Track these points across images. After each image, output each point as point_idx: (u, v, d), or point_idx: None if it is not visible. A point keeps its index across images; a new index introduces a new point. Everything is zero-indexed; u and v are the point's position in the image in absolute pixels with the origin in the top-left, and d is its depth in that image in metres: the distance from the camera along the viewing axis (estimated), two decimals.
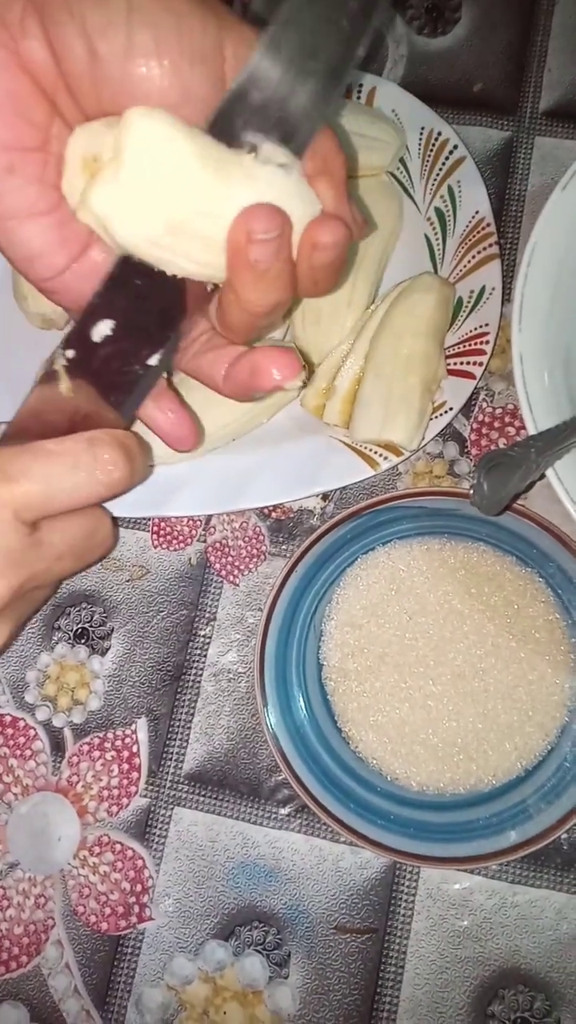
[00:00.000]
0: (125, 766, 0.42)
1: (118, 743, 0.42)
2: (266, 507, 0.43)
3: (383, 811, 0.39)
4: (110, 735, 0.42)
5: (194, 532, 0.44)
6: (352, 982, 0.39)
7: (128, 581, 0.44)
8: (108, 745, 0.42)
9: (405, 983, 0.39)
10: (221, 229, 0.28)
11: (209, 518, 0.44)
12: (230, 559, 0.43)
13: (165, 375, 0.36)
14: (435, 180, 0.45)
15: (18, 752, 0.42)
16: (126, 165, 0.27)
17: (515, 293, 0.39)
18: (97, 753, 0.42)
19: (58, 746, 0.42)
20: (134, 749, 0.42)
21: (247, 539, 0.44)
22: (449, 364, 0.42)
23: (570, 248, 0.40)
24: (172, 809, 0.41)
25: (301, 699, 0.40)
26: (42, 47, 0.27)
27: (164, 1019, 0.39)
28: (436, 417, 0.41)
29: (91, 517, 0.34)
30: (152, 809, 0.41)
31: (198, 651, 0.43)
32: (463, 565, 0.41)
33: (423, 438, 0.41)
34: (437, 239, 0.44)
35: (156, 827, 0.41)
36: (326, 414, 0.42)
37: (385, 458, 0.41)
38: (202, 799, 0.41)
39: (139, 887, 0.40)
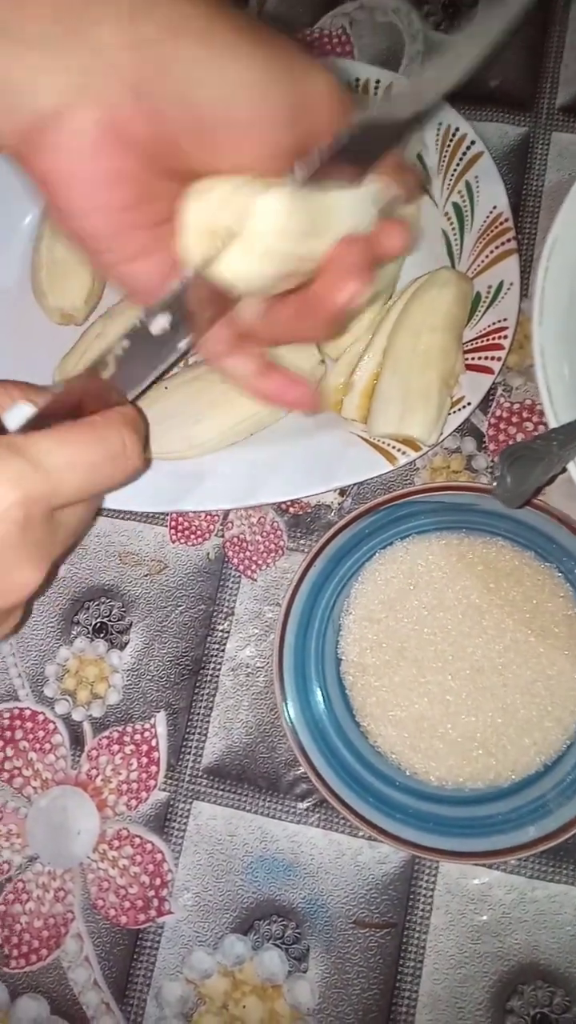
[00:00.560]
0: (144, 760, 0.42)
1: (137, 737, 0.42)
2: (284, 502, 0.43)
3: (402, 805, 0.39)
4: (129, 729, 0.42)
5: (212, 527, 0.44)
6: (371, 976, 0.39)
7: (146, 576, 0.44)
8: (127, 739, 0.42)
9: (424, 978, 0.39)
10: (316, 261, 0.31)
11: (227, 513, 0.44)
12: (248, 554, 0.44)
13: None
14: (452, 176, 0.45)
15: (38, 746, 0.42)
16: (250, 243, 0.29)
17: (535, 287, 0.39)
18: (116, 747, 0.42)
19: (77, 740, 0.42)
20: (153, 743, 0.42)
21: (265, 534, 0.44)
22: (467, 359, 0.42)
23: None
24: (191, 803, 0.41)
25: (320, 694, 0.40)
26: (143, 122, 0.28)
27: (183, 1012, 0.39)
28: (454, 412, 0.41)
29: (95, 499, 0.34)
30: (171, 803, 0.41)
31: (216, 645, 0.43)
32: (482, 560, 0.41)
33: (441, 433, 0.41)
34: (455, 234, 0.44)
35: (175, 821, 0.41)
36: (344, 409, 0.42)
37: (403, 453, 0.41)
38: (221, 793, 0.41)
39: (158, 881, 0.40)
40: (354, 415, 0.42)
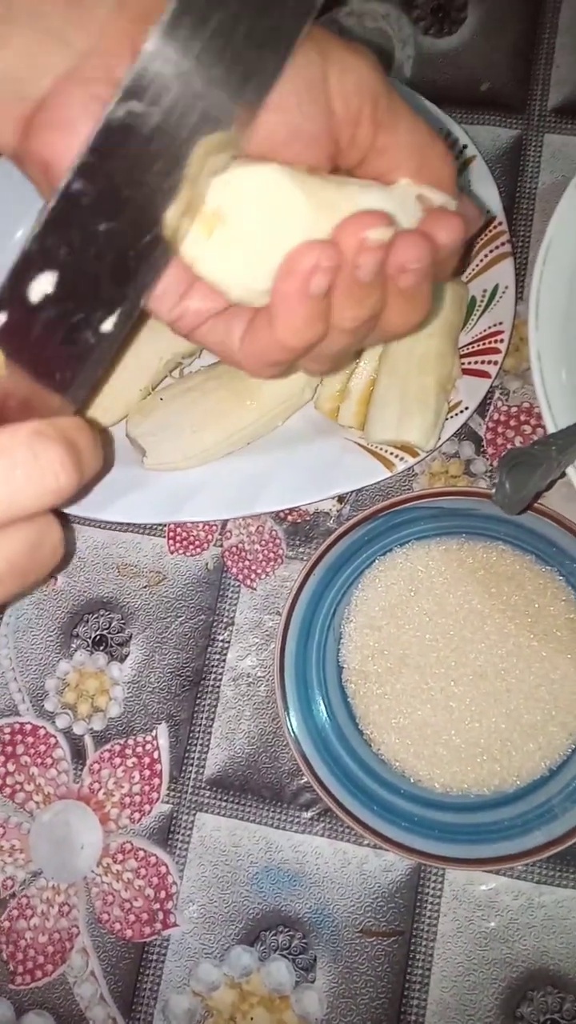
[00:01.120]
0: (147, 772, 0.41)
1: (139, 749, 0.42)
2: (282, 510, 0.43)
3: (407, 813, 0.39)
4: (131, 741, 0.42)
5: (210, 537, 0.44)
6: (379, 985, 0.39)
7: (145, 587, 0.44)
8: (129, 752, 0.42)
9: (432, 986, 0.39)
10: None
11: (225, 523, 0.44)
12: (247, 563, 0.43)
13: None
14: None
15: (39, 760, 0.42)
16: (231, 226, 0.25)
17: (531, 291, 0.39)
18: (118, 760, 0.42)
19: (79, 753, 0.42)
20: (155, 755, 0.42)
21: (264, 543, 0.44)
22: (464, 363, 0.42)
23: None
24: (194, 815, 0.41)
25: (322, 702, 0.40)
26: None
27: None
28: (452, 417, 0.41)
29: (34, 527, 0.27)
30: (174, 815, 0.41)
31: (217, 656, 0.43)
32: (482, 565, 0.41)
33: (439, 438, 0.40)
34: None
35: (179, 833, 0.41)
36: (341, 416, 0.42)
37: (401, 459, 0.41)
38: (224, 804, 0.41)
39: (163, 894, 0.40)
40: (351, 422, 0.42)
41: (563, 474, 0.37)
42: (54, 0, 0.26)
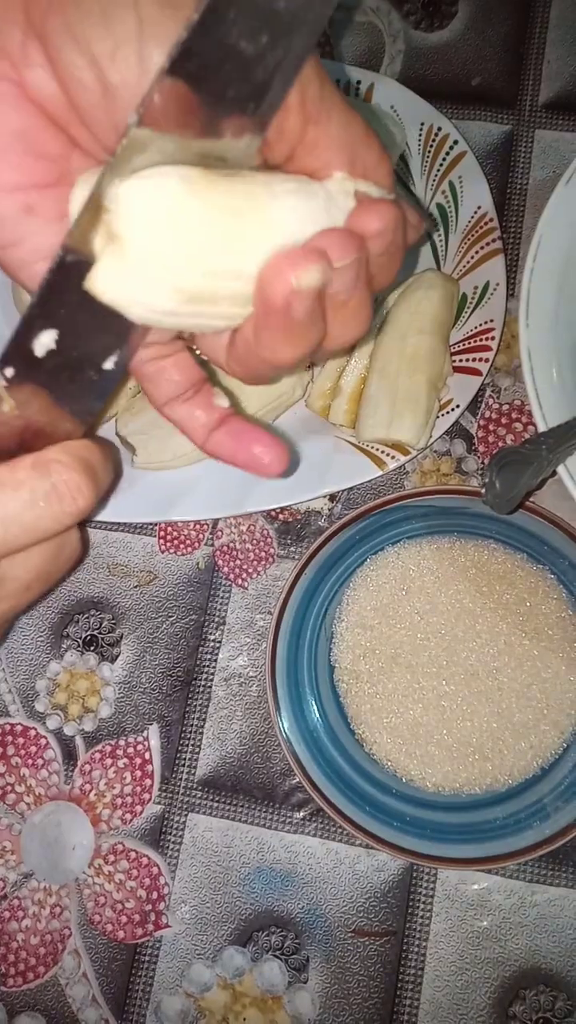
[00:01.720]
0: (138, 773, 0.41)
1: (130, 750, 0.42)
2: (273, 509, 0.43)
3: (399, 813, 0.39)
4: (122, 742, 0.42)
5: (201, 536, 0.44)
6: (372, 985, 0.39)
7: (136, 587, 0.43)
8: (120, 752, 0.42)
9: (425, 985, 0.39)
10: (247, 282, 0.24)
11: (216, 522, 0.44)
12: (238, 562, 0.43)
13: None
14: (436, 176, 0.44)
15: (30, 761, 0.42)
16: (124, 244, 0.23)
17: (522, 289, 0.39)
18: (109, 761, 0.41)
19: (70, 755, 0.42)
20: (146, 756, 0.41)
21: (255, 542, 0.43)
22: (455, 361, 0.42)
23: (575, 242, 0.39)
24: (186, 815, 0.41)
25: (314, 702, 0.40)
26: (48, 76, 0.24)
27: None
28: (443, 415, 0.41)
29: (56, 538, 0.29)
30: (166, 816, 0.41)
31: (208, 656, 0.42)
32: (473, 563, 0.41)
33: (430, 436, 0.40)
34: (439, 235, 0.44)
35: (171, 834, 0.41)
36: (332, 414, 0.42)
37: (392, 457, 0.41)
38: (216, 805, 0.41)
39: (155, 894, 0.40)
40: (342, 420, 0.42)
41: (554, 472, 0.37)
42: None
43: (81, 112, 0.25)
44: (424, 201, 0.44)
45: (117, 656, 0.43)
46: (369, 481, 0.41)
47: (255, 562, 0.43)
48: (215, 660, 0.42)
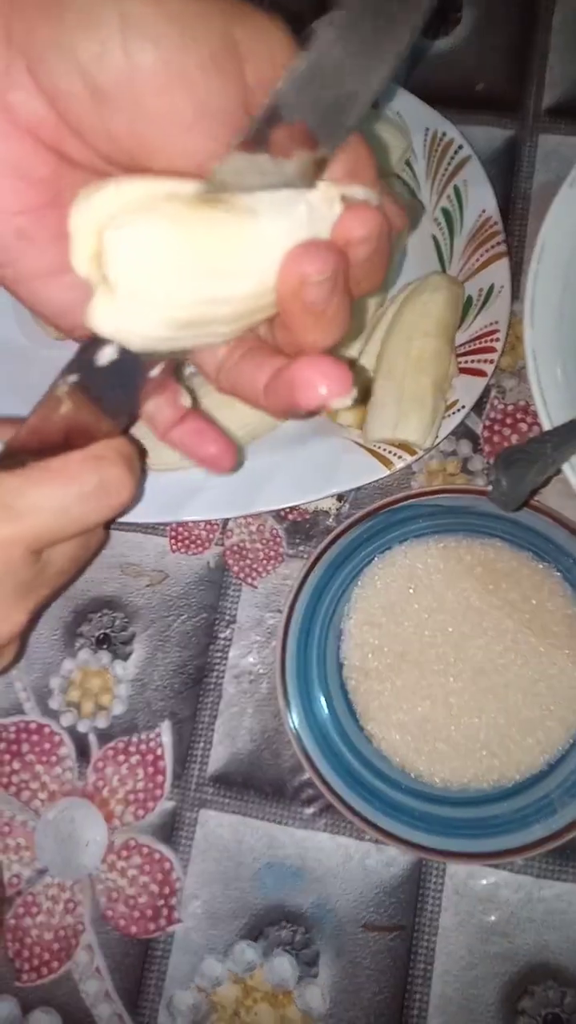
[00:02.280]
0: (150, 769, 0.42)
1: (143, 747, 0.42)
2: (282, 509, 0.44)
3: (408, 808, 0.39)
4: (134, 739, 0.42)
5: (211, 536, 0.44)
6: (382, 980, 0.39)
7: (148, 586, 0.44)
8: (133, 749, 0.42)
9: (435, 980, 0.39)
10: (236, 304, 0.25)
11: (226, 522, 0.44)
12: (248, 562, 0.44)
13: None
14: (441, 180, 0.45)
15: (44, 758, 0.42)
16: (117, 285, 0.24)
17: (526, 290, 0.40)
18: (122, 757, 0.42)
19: (83, 751, 0.42)
20: (159, 752, 0.42)
21: (264, 541, 0.44)
22: (460, 362, 0.42)
23: None
24: (198, 811, 0.41)
25: (323, 699, 0.40)
26: (34, 96, 0.24)
27: (195, 1021, 0.39)
28: (449, 415, 0.41)
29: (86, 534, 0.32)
30: (178, 812, 0.41)
31: (219, 654, 0.43)
32: (480, 562, 0.41)
33: (436, 437, 0.41)
34: (444, 239, 0.44)
35: (182, 830, 0.41)
36: (339, 416, 0.43)
37: (399, 457, 0.41)
38: (227, 801, 0.41)
39: (167, 890, 0.41)
40: (350, 421, 0.43)
41: (559, 471, 0.37)
42: None
43: (72, 123, 0.25)
44: (429, 205, 0.45)
45: (129, 654, 0.43)
46: (376, 481, 0.42)
47: (265, 561, 0.44)
48: (226, 658, 0.43)
